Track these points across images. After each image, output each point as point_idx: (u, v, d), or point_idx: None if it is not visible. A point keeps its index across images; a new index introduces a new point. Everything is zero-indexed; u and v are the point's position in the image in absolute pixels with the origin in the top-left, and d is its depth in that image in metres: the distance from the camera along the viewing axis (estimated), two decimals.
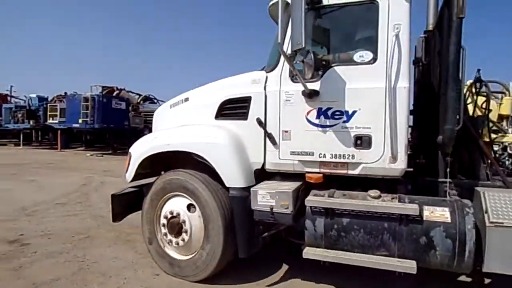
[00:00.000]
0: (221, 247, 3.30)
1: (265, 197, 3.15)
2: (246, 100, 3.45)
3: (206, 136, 3.51)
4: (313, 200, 3.08)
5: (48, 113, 20.20)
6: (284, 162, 3.31)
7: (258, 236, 3.41)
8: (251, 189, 3.22)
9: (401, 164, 2.96)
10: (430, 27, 3.74)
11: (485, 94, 3.72)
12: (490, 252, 2.73)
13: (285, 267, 3.92)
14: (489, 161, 3.24)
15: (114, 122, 18.91)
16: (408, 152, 3.16)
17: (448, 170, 3.19)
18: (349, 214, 2.99)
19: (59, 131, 19.81)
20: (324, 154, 3.15)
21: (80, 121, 18.28)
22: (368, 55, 3.04)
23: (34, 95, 23.39)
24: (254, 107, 3.40)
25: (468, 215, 2.75)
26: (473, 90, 3.72)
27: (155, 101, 24.98)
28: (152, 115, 4.80)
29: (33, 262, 3.98)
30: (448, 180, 3.15)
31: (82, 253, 4.25)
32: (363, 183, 3.21)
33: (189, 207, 3.52)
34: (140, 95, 24.72)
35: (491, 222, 2.72)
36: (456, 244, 2.70)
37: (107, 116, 18.50)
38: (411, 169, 3.40)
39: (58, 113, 19.65)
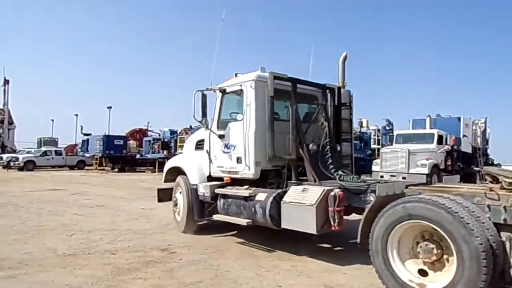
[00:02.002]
0: (186, 214, 6.70)
1: (202, 188, 6.43)
2: (203, 140, 6.84)
3: (185, 160, 7.12)
4: (218, 189, 6.17)
5: (178, 144, 23.48)
6: (215, 171, 6.50)
7: (206, 209, 6.65)
8: (198, 184, 6.55)
9: (252, 171, 5.74)
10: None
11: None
12: (283, 217, 5.21)
13: (233, 232, 6.91)
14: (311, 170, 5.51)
15: None
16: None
17: (296, 175, 5.73)
18: (230, 196, 5.96)
19: None
20: (227, 167, 6.20)
21: None
22: (241, 116, 6.00)
23: (167, 129, 28.24)
24: (205, 144, 6.75)
25: (271, 197, 5.31)
26: None
27: None
28: None
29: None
30: (294, 181, 5.67)
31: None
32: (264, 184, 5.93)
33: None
34: None
35: (283, 201, 5.22)
36: (262, 211, 5.32)
37: None
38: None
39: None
